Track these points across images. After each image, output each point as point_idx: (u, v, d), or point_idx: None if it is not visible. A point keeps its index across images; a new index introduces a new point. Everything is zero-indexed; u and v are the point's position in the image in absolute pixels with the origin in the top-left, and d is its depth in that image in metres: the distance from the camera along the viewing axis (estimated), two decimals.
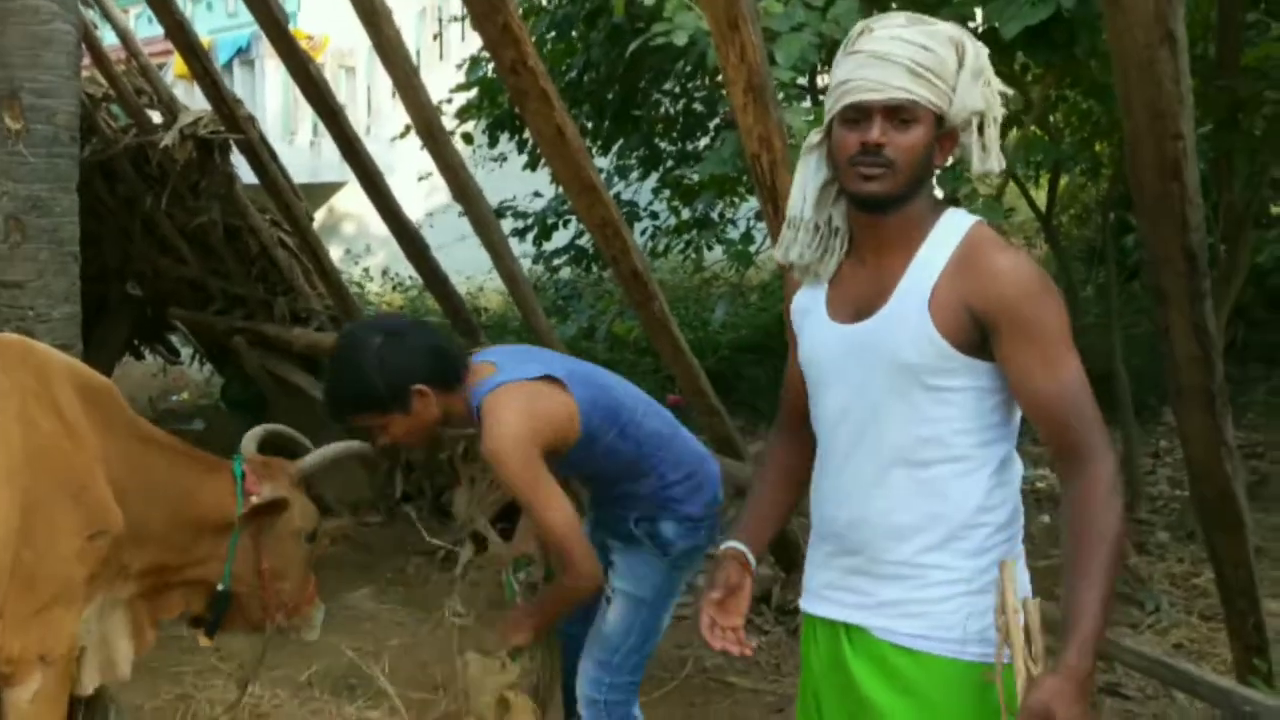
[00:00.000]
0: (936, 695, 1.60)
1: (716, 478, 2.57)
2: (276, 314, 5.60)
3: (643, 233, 7.38)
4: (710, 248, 7.13)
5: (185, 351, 8.26)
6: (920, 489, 1.62)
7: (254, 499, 2.45)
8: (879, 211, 1.63)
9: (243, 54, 10.90)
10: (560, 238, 7.36)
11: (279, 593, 2.55)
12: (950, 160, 1.67)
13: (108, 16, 5.64)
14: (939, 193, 1.72)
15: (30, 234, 2.96)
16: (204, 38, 6.13)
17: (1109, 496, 1.51)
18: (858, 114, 1.58)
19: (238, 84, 10.01)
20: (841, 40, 4.28)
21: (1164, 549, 4.70)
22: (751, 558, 1.82)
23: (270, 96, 10.68)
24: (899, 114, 1.55)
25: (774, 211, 2.73)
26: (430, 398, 2.24)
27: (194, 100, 6.09)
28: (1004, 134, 6.75)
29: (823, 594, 1.74)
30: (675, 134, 7.01)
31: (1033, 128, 4.92)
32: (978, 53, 1.58)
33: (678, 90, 6.77)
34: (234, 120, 5.02)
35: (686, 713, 3.46)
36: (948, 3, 4.19)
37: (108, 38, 6.01)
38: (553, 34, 6.43)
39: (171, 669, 3.57)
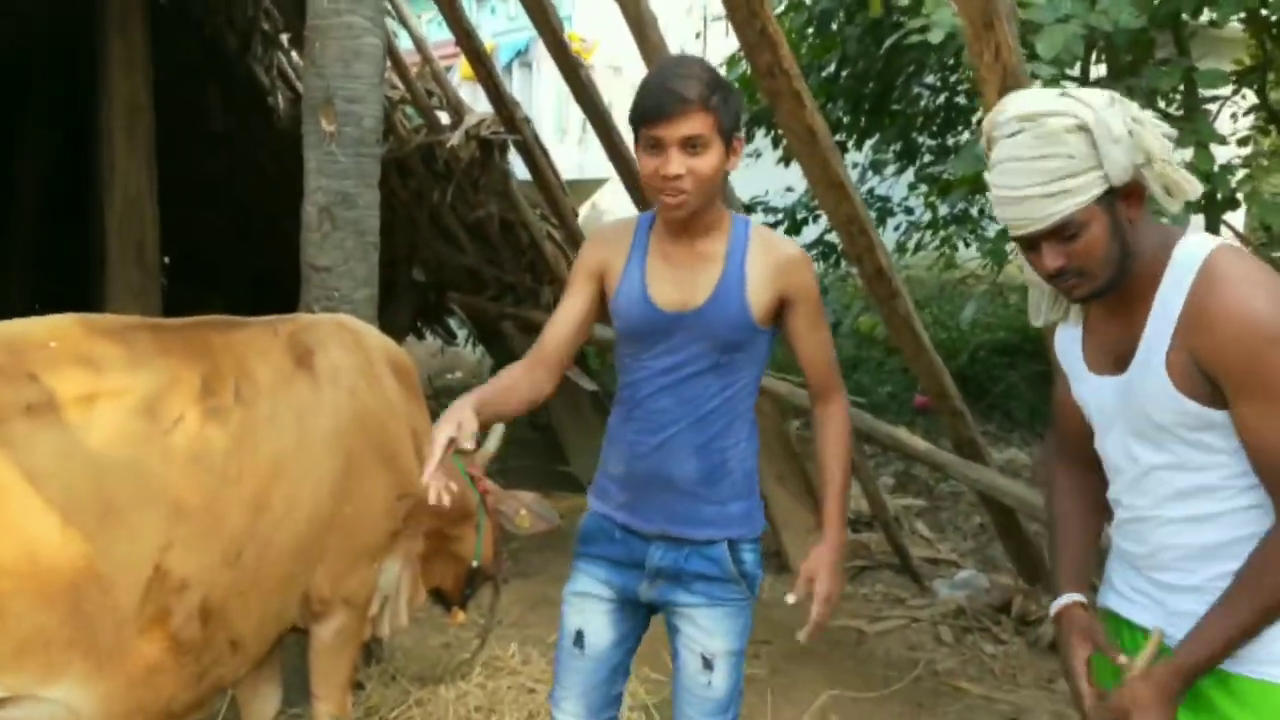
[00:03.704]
0: (1240, 716, 1.53)
1: None
2: (543, 302, 5.99)
3: (896, 228, 7.28)
4: (967, 244, 6.95)
5: (461, 334, 8.96)
6: (1201, 533, 1.55)
7: (498, 499, 2.85)
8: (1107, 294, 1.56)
9: (521, 56, 11.63)
10: (809, 233, 7.40)
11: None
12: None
13: (405, 25, 6.21)
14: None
15: (338, 224, 3.32)
16: (487, 41, 6.62)
17: None
18: (1027, 243, 1.55)
19: (516, 84, 10.70)
20: (1112, 35, 4.06)
21: None
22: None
23: (544, 96, 11.34)
24: (1063, 232, 1.50)
25: None
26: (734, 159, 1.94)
27: (476, 100, 6.60)
28: None
29: (1129, 596, 1.70)
30: (934, 128, 6.87)
31: None
32: (1102, 117, 1.47)
33: (938, 84, 6.64)
34: (513, 122, 5.41)
35: (914, 713, 3.45)
36: None
37: (402, 43, 6.61)
38: (811, 29, 6.47)
39: (438, 619, 3.95)
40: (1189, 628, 1.54)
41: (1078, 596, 1.73)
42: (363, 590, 2.53)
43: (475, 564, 2.87)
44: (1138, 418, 1.56)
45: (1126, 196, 1.51)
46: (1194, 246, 1.51)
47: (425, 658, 3.74)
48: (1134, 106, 1.52)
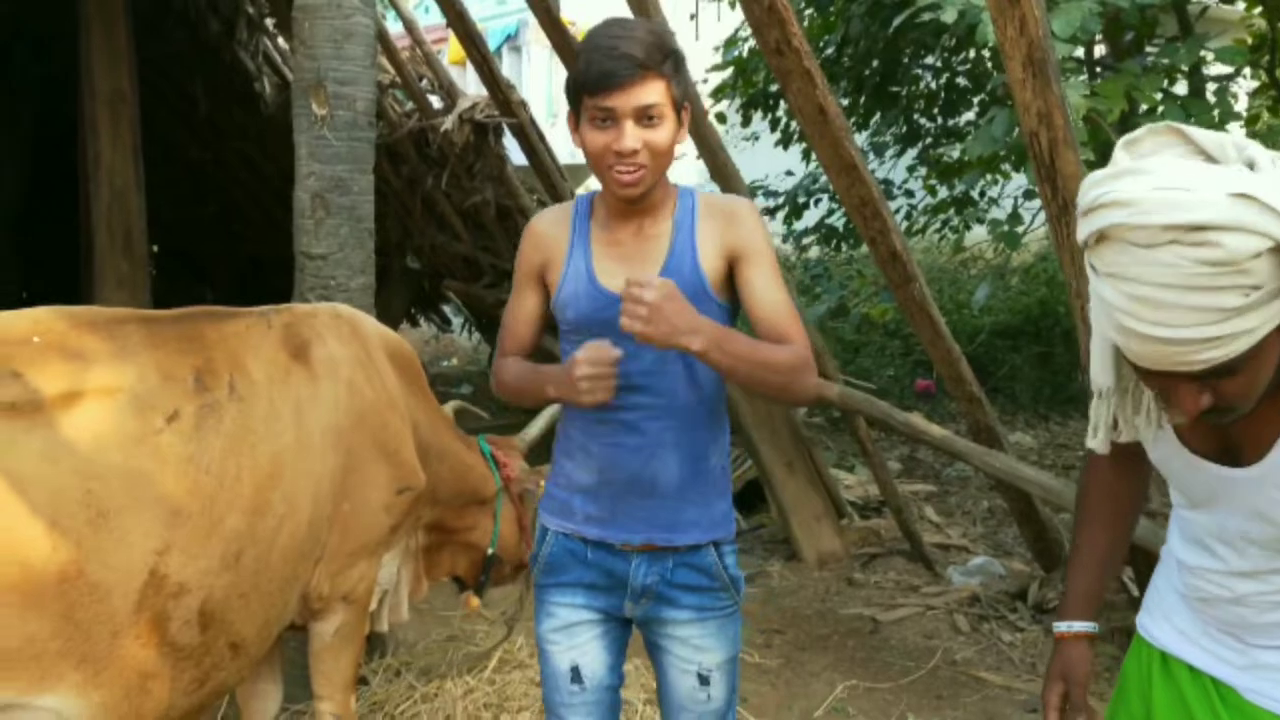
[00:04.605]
0: None
1: None
2: None
3: (897, 211, 7.19)
4: (969, 227, 6.86)
5: (456, 321, 8.86)
6: None
7: (523, 482, 2.77)
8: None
9: (511, 41, 11.50)
10: (810, 216, 7.31)
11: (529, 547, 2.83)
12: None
13: (395, 7, 6.09)
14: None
15: (333, 211, 3.23)
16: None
17: None
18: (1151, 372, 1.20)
19: (505, 69, 10.55)
20: (1125, 10, 3.96)
21: None
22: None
23: (534, 81, 11.21)
24: (1220, 371, 1.14)
25: (1052, 192, 2.60)
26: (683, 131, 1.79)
27: (466, 84, 6.46)
28: None
29: (1193, 638, 1.53)
30: (936, 110, 6.78)
31: None
32: None
33: (940, 65, 6.54)
34: (508, 105, 5.29)
35: (934, 704, 3.37)
36: None
37: (391, 26, 6.48)
38: (810, 10, 6.37)
39: (440, 613, 3.87)
40: (1272, 683, 1.41)
41: (1081, 627, 1.60)
42: (362, 587, 2.44)
43: (491, 551, 2.78)
44: (1258, 518, 1.33)
45: None
46: None
47: (430, 652, 3.65)
48: None
